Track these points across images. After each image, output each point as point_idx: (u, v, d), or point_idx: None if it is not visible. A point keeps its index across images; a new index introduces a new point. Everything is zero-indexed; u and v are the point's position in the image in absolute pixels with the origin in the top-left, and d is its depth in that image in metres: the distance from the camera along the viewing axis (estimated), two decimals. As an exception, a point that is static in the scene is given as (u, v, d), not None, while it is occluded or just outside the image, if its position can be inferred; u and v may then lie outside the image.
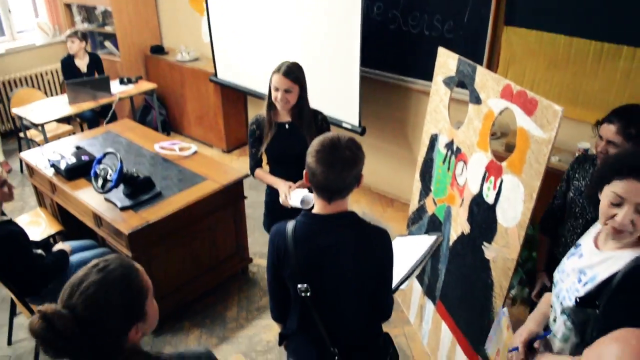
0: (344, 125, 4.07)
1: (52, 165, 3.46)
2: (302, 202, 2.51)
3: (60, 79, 5.67)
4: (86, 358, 1.22)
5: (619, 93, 3.08)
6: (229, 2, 4.63)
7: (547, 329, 1.79)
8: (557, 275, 1.76)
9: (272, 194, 2.82)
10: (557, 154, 3.27)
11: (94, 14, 6.06)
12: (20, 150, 5.07)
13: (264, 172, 2.84)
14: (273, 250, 1.79)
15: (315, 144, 1.67)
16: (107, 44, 6.04)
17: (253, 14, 4.46)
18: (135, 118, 5.75)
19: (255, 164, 2.85)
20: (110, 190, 3.05)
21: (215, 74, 5.17)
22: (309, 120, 2.68)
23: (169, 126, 6.10)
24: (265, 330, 3.30)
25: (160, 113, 5.80)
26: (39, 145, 4.67)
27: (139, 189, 3.15)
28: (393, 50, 4.06)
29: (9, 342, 3.20)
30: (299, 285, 1.74)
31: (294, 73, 2.57)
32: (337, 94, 4.01)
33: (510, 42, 3.42)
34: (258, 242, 4.00)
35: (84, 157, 3.46)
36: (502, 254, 2.27)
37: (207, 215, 3.30)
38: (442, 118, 2.83)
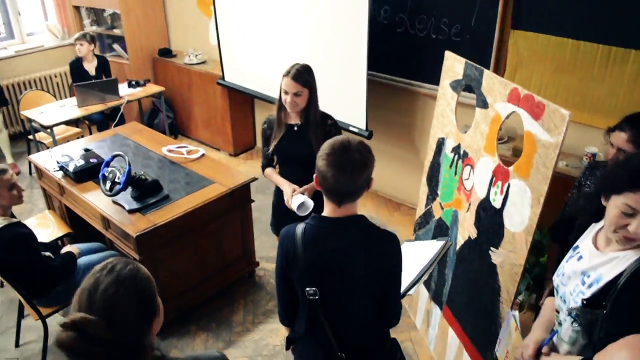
0: (351, 128, 4.07)
1: (61, 168, 3.49)
2: (299, 207, 2.56)
3: (69, 81, 5.71)
4: None
5: (626, 97, 3.07)
6: (237, 5, 4.65)
7: (551, 330, 1.79)
8: (556, 279, 1.76)
9: (279, 194, 2.84)
10: (565, 158, 3.26)
11: (102, 16, 6.10)
12: (29, 153, 5.11)
13: (273, 171, 2.87)
14: (282, 253, 1.79)
15: (325, 147, 1.68)
16: (116, 46, 6.07)
17: (260, 17, 4.48)
18: (143, 121, 5.78)
19: (267, 163, 2.88)
20: (118, 192, 3.07)
21: (223, 77, 5.19)
22: (316, 123, 2.69)
23: (177, 129, 6.12)
24: (271, 334, 3.30)
25: (167, 116, 5.82)
26: (47, 147, 4.70)
27: (146, 192, 3.17)
28: (400, 54, 4.06)
29: (17, 345, 3.21)
30: (307, 289, 1.73)
31: (303, 77, 2.57)
32: (344, 97, 4.02)
33: (517, 46, 3.41)
34: (265, 246, 4.01)
35: (93, 160, 3.48)
36: (509, 259, 2.26)
37: (214, 219, 3.31)
38: (449, 122, 2.82)
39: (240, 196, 3.43)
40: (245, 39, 4.72)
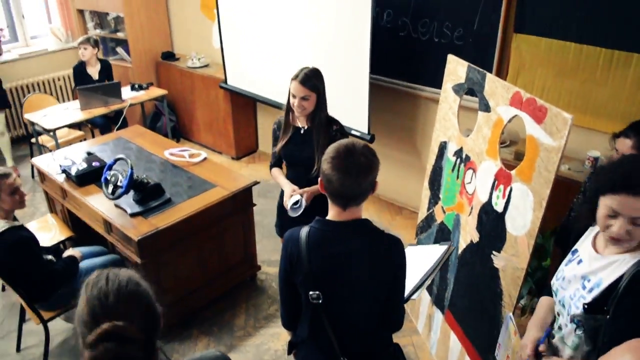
0: (353, 132, 4.07)
1: (63, 171, 3.49)
2: (292, 208, 2.60)
3: (72, 84, 5.73)
4: None
5: (629, 101, 3.06)
6: (240, 9, 4.66)
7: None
8: (556, 283, 1.75)
9: (283, 196, 2.85)
10: (567, 162, 3.25)
11: (106, 20, 6.12)
12: (31, 156, 5.11)
13: (279, 172, 2.90)
14: (286, 256, 1.78)
15: (330, 150, 1.68)
16: (119, 49, 6.09)
17: (263, 20, 4.48)
18: (146, 124, 5.78)
19: (275, 162, 2.91)
20: (120, 196, 3.07)
21: (225, 81, 5.19)
22: (321, 127, 2.70)
23: (179, 132, 6.13)
24: (273, 338, 3.29)
25: (170, 119, 5.83)
26: (50, 150, 4.71)
27: (148, 196, 3.17)
28: (402, 58, 4.06)
29: (18, 349, 3.21)
30: (311, 293, 1.73)
31: (311, 81, 2.58)
32: (346, 101, 4.02)
33: (519, 50, 3.41)
34: (267, 250, 4.00)
35: (95, 163, 3.49)
36: (511, 263, 2.26)
37: (216, 222, 3.31)
38: (452, 126, 2.82)
39: (242, 200, 3.43)
40: (248, 42, 4.73)
